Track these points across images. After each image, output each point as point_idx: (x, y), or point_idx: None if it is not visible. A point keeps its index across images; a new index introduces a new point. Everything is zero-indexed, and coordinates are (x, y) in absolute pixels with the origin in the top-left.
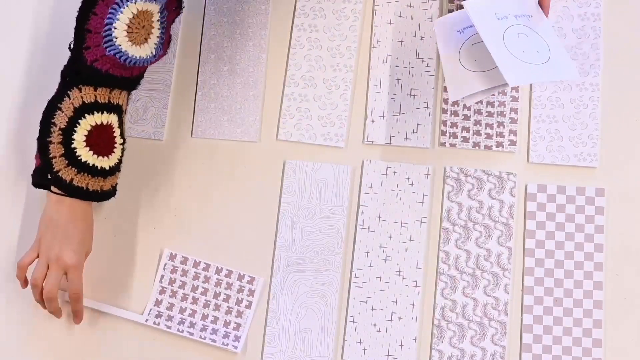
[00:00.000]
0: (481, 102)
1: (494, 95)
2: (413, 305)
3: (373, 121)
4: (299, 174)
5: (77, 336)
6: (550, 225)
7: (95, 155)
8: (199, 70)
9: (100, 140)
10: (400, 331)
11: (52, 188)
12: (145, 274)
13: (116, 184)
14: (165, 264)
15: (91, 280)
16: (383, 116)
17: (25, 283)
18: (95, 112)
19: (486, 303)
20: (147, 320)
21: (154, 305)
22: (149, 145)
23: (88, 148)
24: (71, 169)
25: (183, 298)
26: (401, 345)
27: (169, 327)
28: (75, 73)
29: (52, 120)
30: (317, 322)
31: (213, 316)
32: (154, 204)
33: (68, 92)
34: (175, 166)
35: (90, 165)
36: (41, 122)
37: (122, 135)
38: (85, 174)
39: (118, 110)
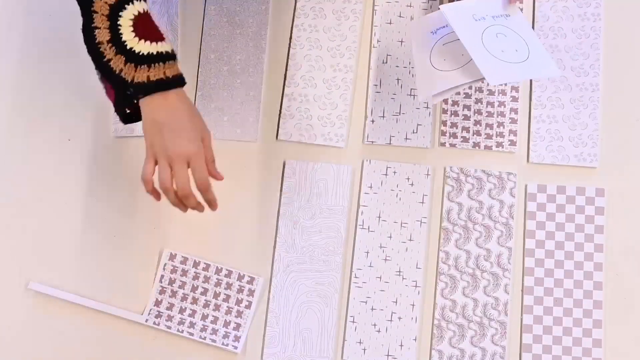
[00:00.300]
0: (481, 102)
1: (493, 95)
2: (413, 305)
3: (373, 121)
4: (299, 174)
5: (78, 336)
6: (550, 226)
7: (155, 43)
8: (199, 70)
9: (148, 27)
10: (400, 331)
11: (140, 97)
12: (145, 274)
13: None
14: (165, 264)
15: (91, 280)
16: (383, 116)
17: (157, 194)
18: (126, 5)
19: (486, 303)
20: (147, 320)
21: (154, 305)
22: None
23: (143, 40)
24: (141, 68)
25: (183, 298)
26: (401, 345)
27: (169, 327)
28: None
29: (97, 41)
30: (317, 322)
31: (213, 316)
32: (154, 204)
33: (91, 9)
34: None
35: (155, 53)
36: (89, 52)
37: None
38: (157, 64)
39: None
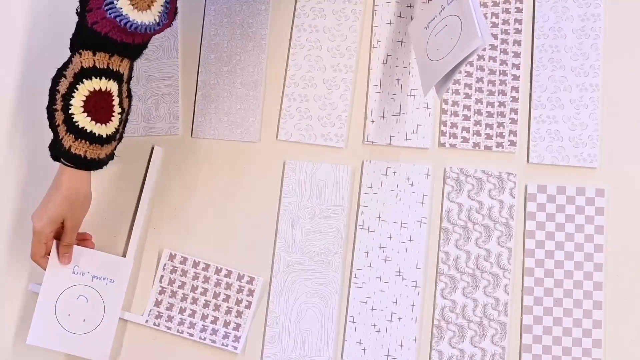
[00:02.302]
0: (481, 102)
1: (493, 95)
2: (413, 305)
3: (373, 121)
4: (299, 174)
5: None
6: (550, 226)
7: (94, 122)
8: (199, 70)
9: (98, 106)
10: (400, 331)
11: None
12: (145, 274)
13: (112, 152)
14: (164, 264)
15: None
16: (383, 116)
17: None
18: (93, 77)
19: (486, 303)
20: (147, 321)
21: (154, 306)
22: (149, 145)
23: (86, 114)
24: (70, 135)
25: (183, 298)
26: (401, 346)
27: (169, 328)
28: (78, 36)
29: (57, 88)
30: (317, 322)
31: (213, 316)
32: (154, 204)
33: (71, 58)
34: (175, 166)
35: (88, 131)
36: (49, 90)
37: (121, 105)
38: (83, 141)
39: (118, 77)
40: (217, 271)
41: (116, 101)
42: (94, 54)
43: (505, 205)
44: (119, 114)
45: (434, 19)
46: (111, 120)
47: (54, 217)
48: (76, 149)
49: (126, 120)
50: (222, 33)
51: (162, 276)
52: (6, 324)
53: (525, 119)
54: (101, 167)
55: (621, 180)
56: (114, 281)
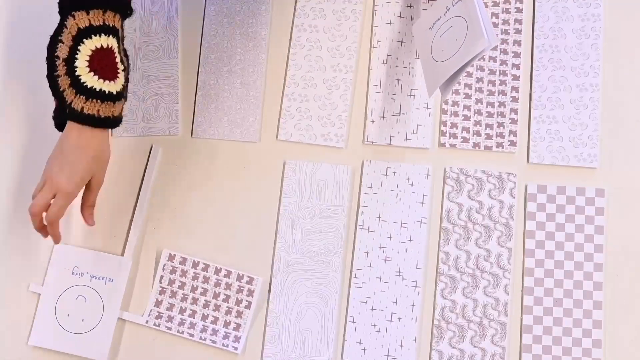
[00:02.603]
0: (481, 102)
1: (494, 95)
2: (413, 305)
3: (373, 121)
4: (299, 174)
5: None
6: (550, 226)
7: (102, 80)
8: (199, 70)
9: (103, 64)
10: (400, 331)
11: (69, 122)
12: (144, 275)
13: (122, 111)
14: (164, 265)
15: None
16: (383, 116)
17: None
18: (92, 35)
19: (486, 303)
20: (147, 321)
21: (154, 306)
22: (147, 145)
23: (92, 73)
24: (80, 97)
25: (183, 298)
26: (401, 346)
27: (169, 329)
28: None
29: (55, 54)
30: (317, 322)
31: (213, 316)
32: (153, 204)
33: (64, 22)
34: (175, 166)
35: (98, 90)
36: (47, 58)
37: (122, 62)
38: (95, 100)
39: (115, 33)
40: (217, 271)
41: (118, 57)
42: (88, 13)
43: (505, 206)
44: (122, 70)
45: (438, 19)
46: (117, 77)
47: (85, 177)
48: (89, 109)
49: (128, 80)
50: (222, 33)
51: (161, 276)
52: (6, 324)
53: (526, 119)
54: (117, 125)
55: (621, 181)
56: (112, 280)
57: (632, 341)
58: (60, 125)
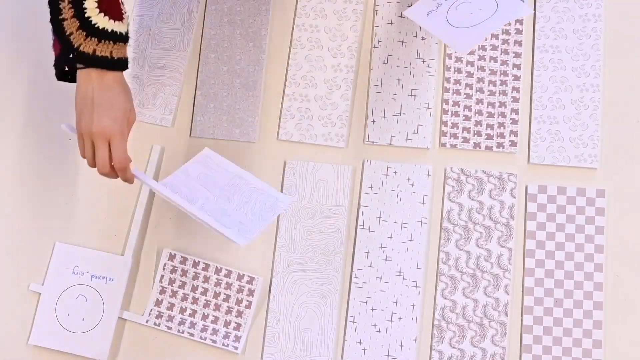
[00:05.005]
0: (482, 102)
1: (494, 95)
2: (413, 305)
3: (374, 121)
4: (299, 174)
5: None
6: (550, 226)
7: (112, 20)
8: (199, 69)
9: (111, 3)
10: (400, 331)
11: (78, 66)
12: (145, 274)
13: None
14: (164, 264)
15: None
16: (384, 116)
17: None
18: None
19: (486, 304)
20: (147, 321)
21: (155, 306)
22: (148, 144)
23: (102, 14)
24: (91, 39)
25: (183, 298)
26: (401, 346)
27: (170, 328)
28: None
29: None
30: (317, 322)
31: (213, 316)
32: (154, 203)
33: None
34: (175, 166)
35: (109, 30)
36: (49, 3)
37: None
38: (107, 42)
39: None
40: (217, 271)
41: None
42: None
43: (506, 206)
44: (124, 11)
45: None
46: (123, 17)
47: (126, 113)
48: (101, 51)
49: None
50: (222, 33)
51: (162, 276)
52: (7, 323)
53: (526, 120)
54: (127, 67)
55: (621, 181)
56: (113, 280)
57: (632, 341)
58: (62, 73)
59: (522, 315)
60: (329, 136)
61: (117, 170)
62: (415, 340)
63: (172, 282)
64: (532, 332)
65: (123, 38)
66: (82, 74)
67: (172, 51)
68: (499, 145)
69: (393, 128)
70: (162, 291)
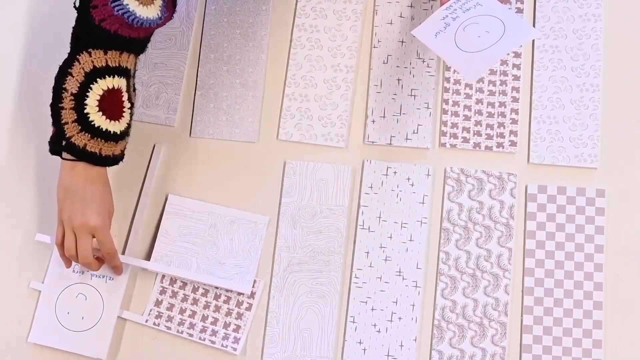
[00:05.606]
0: (482, 102)
1: (494, 95)
2: (413, 305)
3: (374, 121)
4: (299, 174)
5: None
6: (550, 226)
7: (108, 120)
8: (199, 69)
9: (112, 104)
10: (400, 331)
11: (64, 155)
12: (145, 274)
13: (125, 148)
14: None
15: None
16: (384, 116)
17: (68, 262)
18: (107, 76)
19: (486, 304)
20: (147, 321)
21: (154, 306)
22: (150, 144)
23: (101, 113)
24: (84, 134)
25: (183, 299)
26: (401, 346)
27: (169, 328)
28: (84, 34)
29: (64, 86)
30: (317, 322)
31: (213, 317)
32: (154, 203)
33: (77, 56)
34: (175, 166)
35: (104, 130)
36: (53, 88)
37: (130, 99)
38: (99, 139)
39: (127, 74)
40: None
41: (125, 97)
42: (105, 53)
43: (506, 206)
44: (128, 109)
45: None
46: (123, 116)
47: (109, 207)
48: (92, 147)
49: (133, 113)
50: (222, 33)
51: (162, 276)
52: (6, 321)
53: (526, 119)
54: (116, 163)
55: (621, 181)
56: (113, 279)
57: (632, 341)
58: (55, 152)
59: (522, 315)
60: (328, 136)
61: (107, 259)
62: (415, 340)
63: (172, 282)
64: (532, 332)
65: (116, 137)
66: (66, 164)
67: (172, 50)
68: (499, 145)
69: (393, 128)
70: (163, 291)
